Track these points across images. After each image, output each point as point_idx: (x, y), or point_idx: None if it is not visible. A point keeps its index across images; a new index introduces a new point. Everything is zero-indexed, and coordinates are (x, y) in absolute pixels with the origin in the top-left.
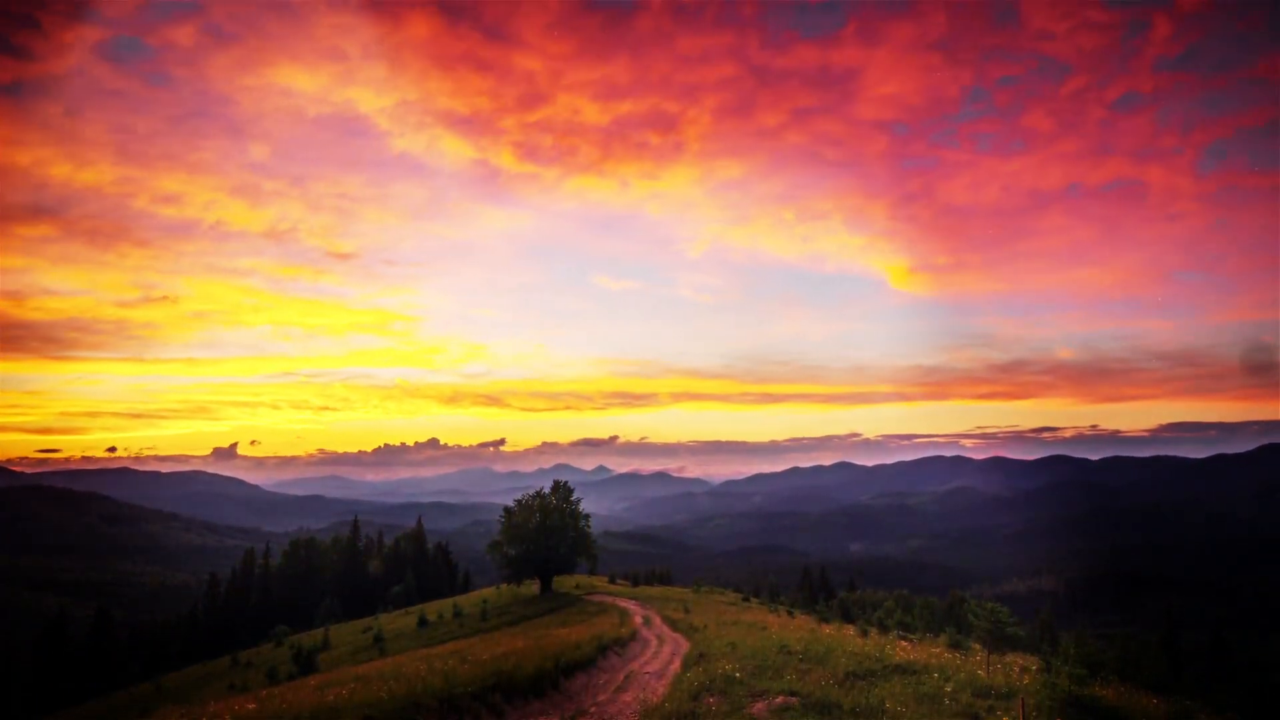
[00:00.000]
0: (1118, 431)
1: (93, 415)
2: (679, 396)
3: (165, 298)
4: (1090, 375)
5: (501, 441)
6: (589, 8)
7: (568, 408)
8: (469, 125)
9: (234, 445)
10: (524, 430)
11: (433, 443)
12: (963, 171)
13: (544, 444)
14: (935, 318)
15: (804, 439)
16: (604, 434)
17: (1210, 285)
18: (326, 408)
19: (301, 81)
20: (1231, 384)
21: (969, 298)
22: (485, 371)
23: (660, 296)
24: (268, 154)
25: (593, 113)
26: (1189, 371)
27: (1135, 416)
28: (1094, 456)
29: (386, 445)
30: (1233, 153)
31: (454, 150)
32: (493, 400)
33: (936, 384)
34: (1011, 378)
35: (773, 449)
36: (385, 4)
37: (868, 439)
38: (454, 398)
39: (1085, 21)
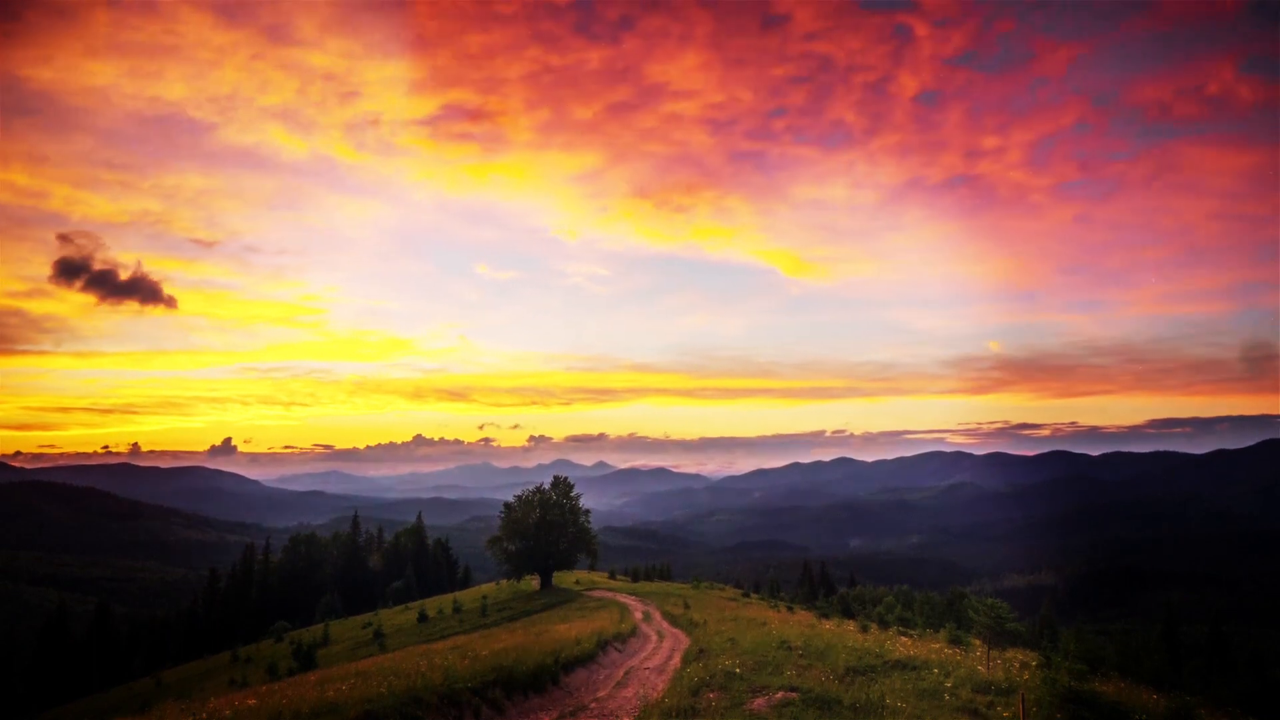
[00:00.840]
0: (1097, 428)
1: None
2: (639, 392)
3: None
4: (1033, 369)
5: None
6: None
7: (533, 403)
8: (294, 120)
9: (227, 440)
10: (492, 425)
11: (418, 439)
12: (806, 166)
13: (535, 438)
14: (840, 309)
15: (792, 435)
16: (574, 430)
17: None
18: (295, 403)
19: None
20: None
21: (865, 288)
22: (427, 364)
23: (549, 286)
24: (96, 146)
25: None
26: (1136, 367)
27: (1118, 412)
28: (1093, 452)
29: (391, 442)
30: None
31: (290, 144)
32: (458, 396)
33: (892, 379)
34: (961, 374)
35: (761, 444)
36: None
37: (857, 434)
38: (416, 393)
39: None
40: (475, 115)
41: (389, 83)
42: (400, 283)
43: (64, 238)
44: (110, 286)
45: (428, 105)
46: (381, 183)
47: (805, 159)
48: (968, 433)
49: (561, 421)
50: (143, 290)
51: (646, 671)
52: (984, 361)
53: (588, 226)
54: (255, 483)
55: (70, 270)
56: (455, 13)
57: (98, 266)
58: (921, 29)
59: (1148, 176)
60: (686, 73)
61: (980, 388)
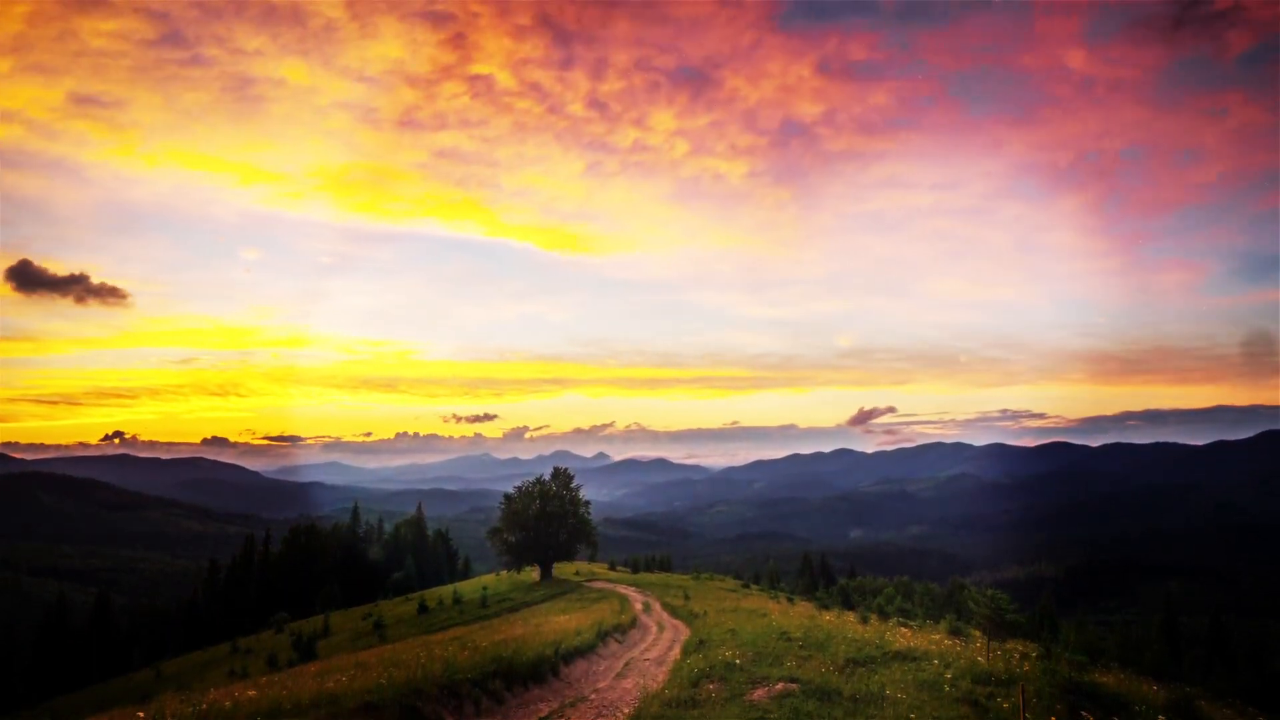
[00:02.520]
0: (1097, 419)
1: None
2: (562, 383)
3: None
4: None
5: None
6: None
7: (467, 394)
8: None
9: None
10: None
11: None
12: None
13: (517, 429)
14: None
15: (754, 427)
16: (527, 421)
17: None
18: (234, 394)
19: None
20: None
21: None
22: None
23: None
24: None
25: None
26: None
27: (1118, 403)
28: (1093, 443)
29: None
30: None
31: None
32: (389, 386)
33: (800, 371)
34: (864, 365)
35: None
36: None
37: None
38: (345, 384)
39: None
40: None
41: None
42: (196, 269)
43: None
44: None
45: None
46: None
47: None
48: (966, 424)
49: (512, 414)
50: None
51: (647, 663)
52: (887, 353)
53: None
54: (256, 474)
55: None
56: None
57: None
58: None
59: None
60: None
61: (982, 381)
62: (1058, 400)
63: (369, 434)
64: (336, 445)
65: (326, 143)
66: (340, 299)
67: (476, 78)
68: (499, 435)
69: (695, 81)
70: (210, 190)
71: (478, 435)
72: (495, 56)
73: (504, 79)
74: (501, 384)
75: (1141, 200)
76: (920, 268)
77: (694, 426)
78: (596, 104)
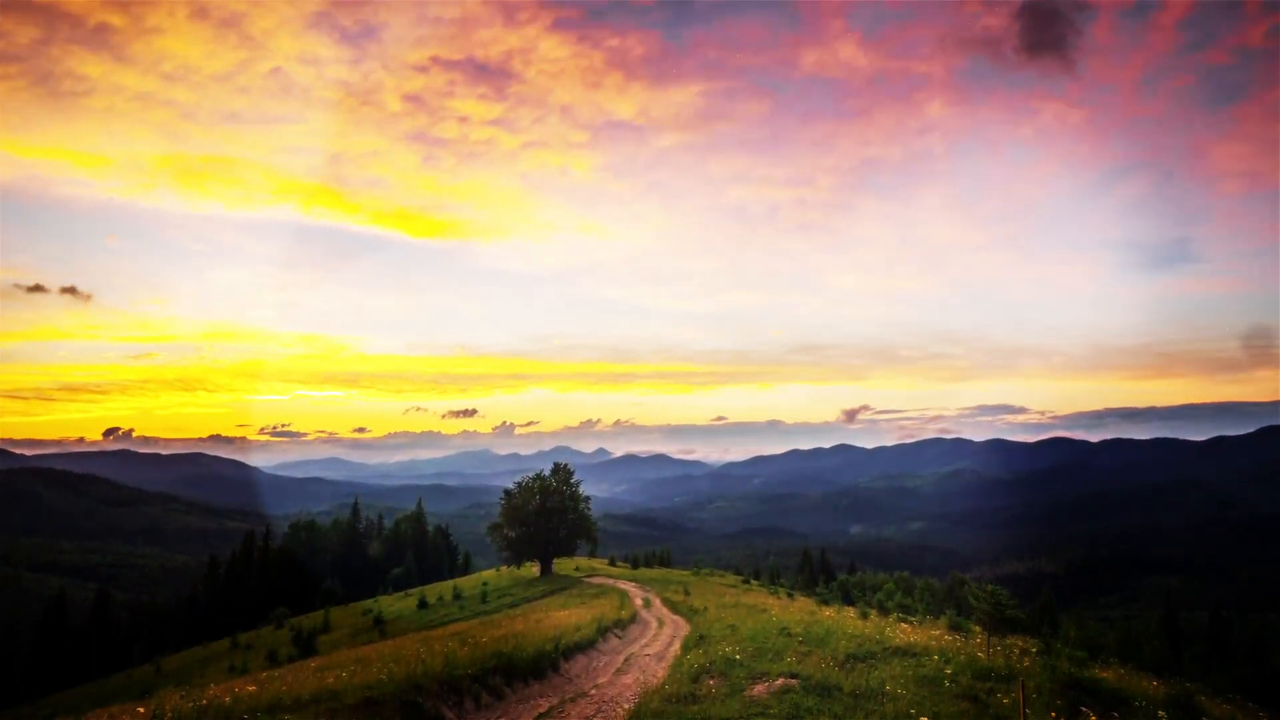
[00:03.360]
0: (1097, 412)
1: None
2: (524, 378)
3: None
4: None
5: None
6: None
7: (435, 389)
8: None
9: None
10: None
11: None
12: None
13: (505, 424)
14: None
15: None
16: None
17: None
18: (202, 388)
19: None
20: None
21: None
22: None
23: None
24: None
25: None
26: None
27: (1119, 398)
28: (1093, 439)
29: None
30: None
31: None
32: (351, 381)
33: (760, 366)
34: (819, 360)
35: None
36: None
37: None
38: (307, 379)
39: None
40: None
41: None
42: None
43: None
44: None
45: None
46: None
47: None
48: (966, 418)
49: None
50: None
51: (647, 658)
52: (844, 348)
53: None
54: (256, 469)
55: None
56: None
57: None
58: None
59: None
60: None
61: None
62: (1040, 396)
63: (363, 429)
64: (336, 441)
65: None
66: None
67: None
68: (489, 430)
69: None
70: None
71: (467, 431)
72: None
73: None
74: (464, 379)
75: None
76: (820, 264)
77: (677, 423)
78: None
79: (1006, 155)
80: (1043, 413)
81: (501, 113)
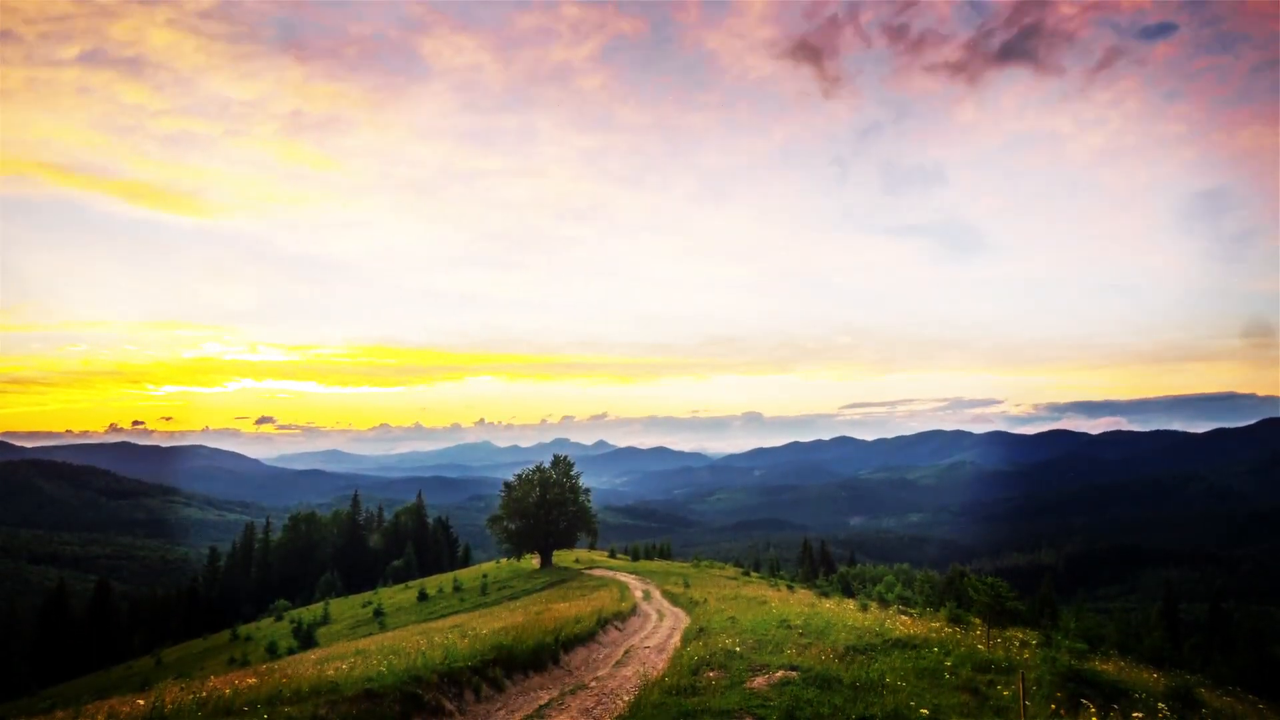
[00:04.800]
0: (1096, 405)
1: None
2: (454, 369)
3: None
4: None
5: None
6: None
7: (371, 380)
8: None
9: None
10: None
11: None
12: None
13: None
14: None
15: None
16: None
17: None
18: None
19: None
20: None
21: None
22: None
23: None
24: None
25: None
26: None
27: (1118, 390)
28: (1093, 431)
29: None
30: None
31: None
32: (314, 373)
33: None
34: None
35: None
36: None
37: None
38: (265, 371)
39: None
40: None
41: None
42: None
43: None
44: None
45: None
46: None
47: None
48: (964, 410)
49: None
50: None
51: (646, 650)
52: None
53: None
54: (256, 462)
55: None
56: None
57: None
58: None
59: None
60: None
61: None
62: (1057, 388)
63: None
64: (336, 434)
65: None
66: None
67: None
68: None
69: None
70: None
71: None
72: None
73: None
74: (402, 371)
75: None
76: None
77: (652, 415)
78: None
79: None
80: (1041, 404)
81: None
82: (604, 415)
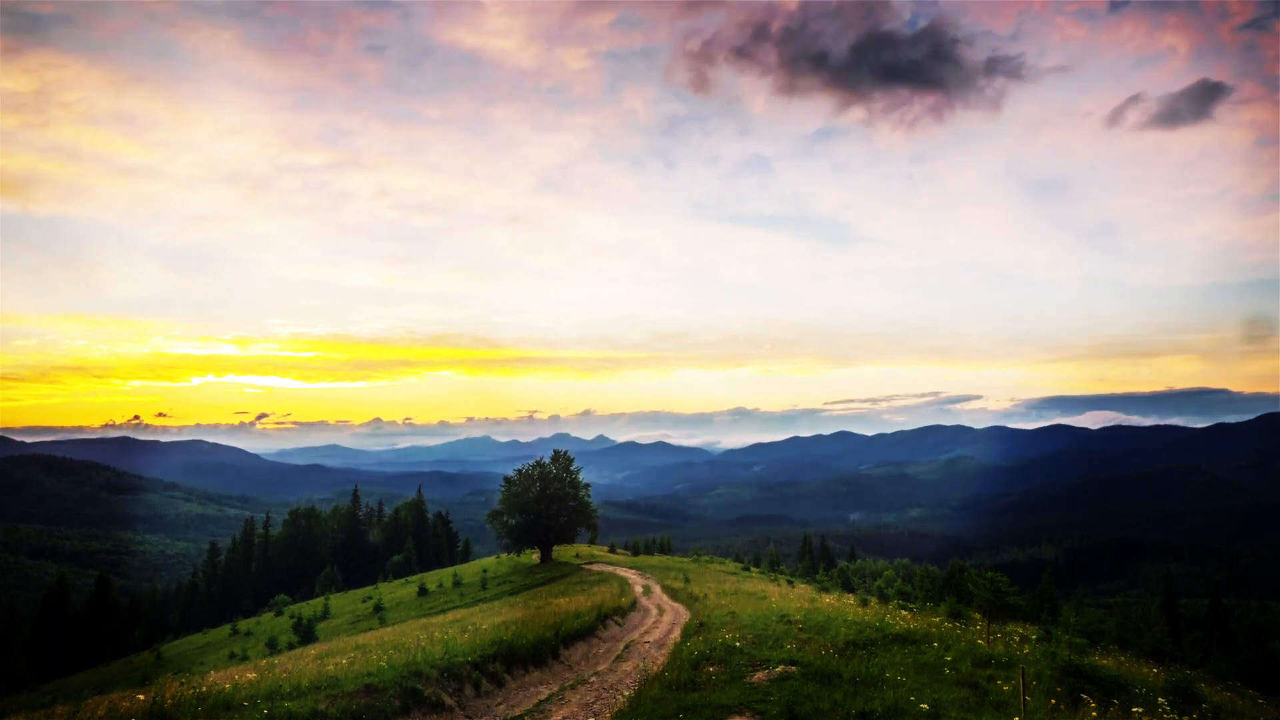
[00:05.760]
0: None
1: None
2: (410, 364)
3: None
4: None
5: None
6: None
7: (329, 375)
8: None
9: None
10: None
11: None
12: None
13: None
14: None
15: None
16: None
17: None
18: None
19: None
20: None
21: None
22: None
23: None
24: None
25: None
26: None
27: (1119, 385)
28: (1094, 426)
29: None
30: None
31: None
32: (280, 368)
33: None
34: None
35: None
36: None
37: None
38: (224, 366)
39: None
40: None
41: None
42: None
43: None
44: None
45: None
46: None
47: None
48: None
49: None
50: None
51: (646, 645)
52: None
53: None
54: (256, 457)
55: None
56: None
57: None
58: None
59: None
60: None
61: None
62: (1058, 383)
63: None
64: (337, 429)
65: None
66: None
67: None
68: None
69: None
70: None
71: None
72: None
73: None
74: (359, 365)
75: None
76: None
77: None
78: None
79: None
80: (1043, 397)
81: None
82: (590, 412)
